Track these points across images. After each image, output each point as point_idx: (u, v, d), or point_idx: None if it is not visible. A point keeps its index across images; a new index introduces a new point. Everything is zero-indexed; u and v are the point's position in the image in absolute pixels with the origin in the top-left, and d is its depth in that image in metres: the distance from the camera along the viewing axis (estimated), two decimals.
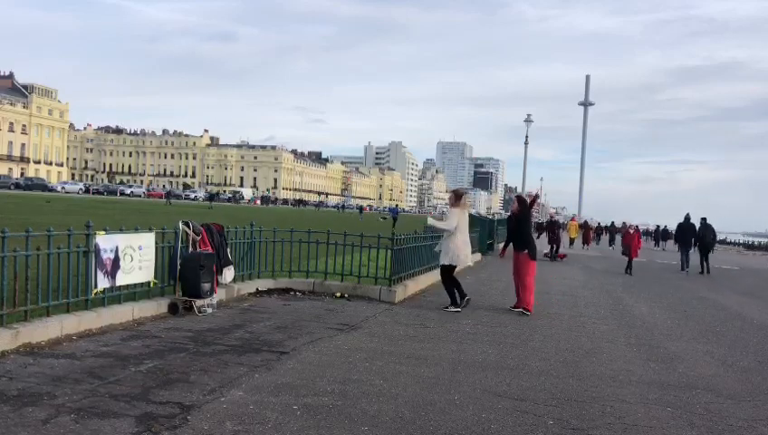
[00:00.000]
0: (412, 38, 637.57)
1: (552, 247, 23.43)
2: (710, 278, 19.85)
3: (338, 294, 9.81)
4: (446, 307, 9.26)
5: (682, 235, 22.91)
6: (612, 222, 51.29)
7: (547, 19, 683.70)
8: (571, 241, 35.68)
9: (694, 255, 22.15)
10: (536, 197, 12.91)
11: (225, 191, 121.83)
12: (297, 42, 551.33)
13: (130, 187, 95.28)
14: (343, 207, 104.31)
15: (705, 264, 21.36)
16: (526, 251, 9.61)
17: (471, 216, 13.36)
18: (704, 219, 22.15)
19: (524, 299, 9.48)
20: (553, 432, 4.36)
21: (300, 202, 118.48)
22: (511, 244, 10.01)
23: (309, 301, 9.36)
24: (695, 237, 22.10)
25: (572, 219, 41.62)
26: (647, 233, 56.19)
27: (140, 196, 78.89)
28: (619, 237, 46.55)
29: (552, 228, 24.38)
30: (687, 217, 22.92)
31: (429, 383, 5.33)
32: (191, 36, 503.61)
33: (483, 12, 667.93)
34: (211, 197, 65.13)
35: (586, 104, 40.68)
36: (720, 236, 55.38)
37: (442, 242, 9.47)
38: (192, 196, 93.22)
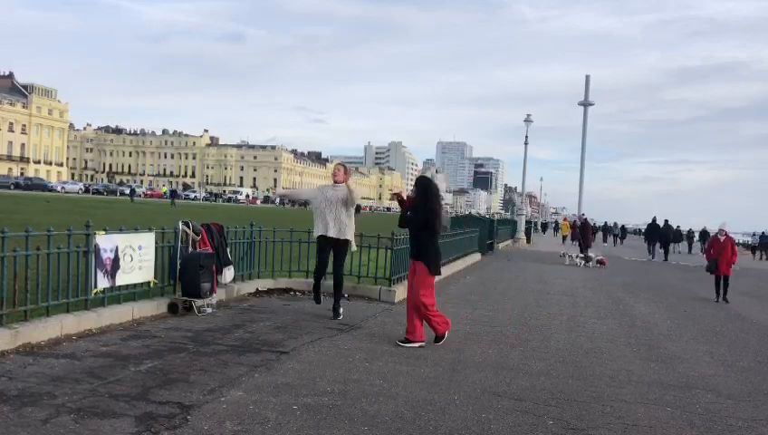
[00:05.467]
0: (412, 38, 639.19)
1: (584, 252, 21.87)
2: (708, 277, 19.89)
3: None
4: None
5: (649, 232, 29.88)
6: (605, 222, 51.43)
7: (547, 19, 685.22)
8: (564, 238, 39.21)
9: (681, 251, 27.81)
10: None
11: (225, 191, 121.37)
12: (297, 42, 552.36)
13: (130, 187, 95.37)
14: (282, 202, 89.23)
15: (665, 253, 28.43)
16: (422, 262, 6.77)
17: (471, 216, 13.29)
18: (666, 220, 29.51)
19: (413, 324, 6.72)
20: (553, 432, 4.36)
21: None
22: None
23: (309, 301, 9.34)
24: (659, 234, 28.44)
25: (565, 219, 45.77)
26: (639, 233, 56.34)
27: (140, 196, 79.14)
28: (611, 238, 46.61)
29: (584, 231, 22.84)
30: (654, 219, 29.18)
31: (429, 383, 5.33)
32: (192, 37, 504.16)
33: (483, 12, 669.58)
34: (173, 194, 58.59)
35: (586, 104, 40.54)
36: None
37: (350, 220, 7.88)
38: (192, 196, 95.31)
